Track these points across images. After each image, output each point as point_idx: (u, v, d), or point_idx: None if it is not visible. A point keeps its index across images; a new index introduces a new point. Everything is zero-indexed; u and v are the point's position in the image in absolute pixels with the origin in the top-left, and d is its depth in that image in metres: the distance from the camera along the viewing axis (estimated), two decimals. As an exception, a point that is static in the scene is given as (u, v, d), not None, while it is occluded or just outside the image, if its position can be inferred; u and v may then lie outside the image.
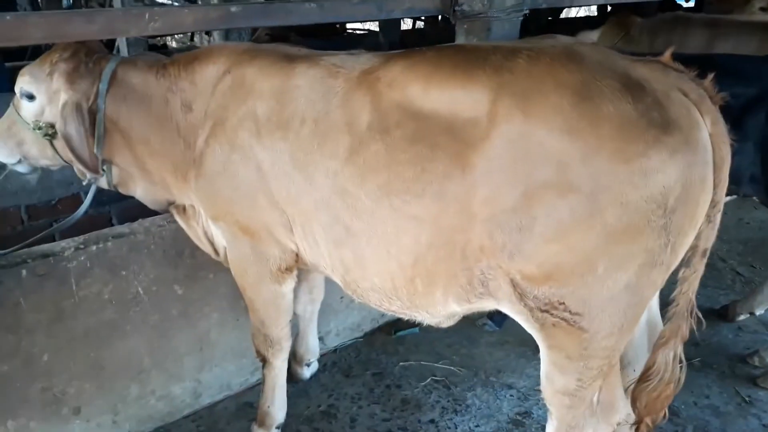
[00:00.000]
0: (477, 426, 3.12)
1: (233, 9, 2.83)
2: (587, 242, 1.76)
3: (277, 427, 2.92)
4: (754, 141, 2.97)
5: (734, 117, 2.82)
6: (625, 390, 2.34)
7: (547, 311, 1.91)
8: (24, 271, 2.40)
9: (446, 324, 2.40)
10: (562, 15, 13.16)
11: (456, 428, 3.10)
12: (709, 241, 1.94)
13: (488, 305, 2.11)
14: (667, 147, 1.69)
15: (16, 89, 2.51)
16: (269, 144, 2.26)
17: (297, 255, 2.46)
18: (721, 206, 1.90)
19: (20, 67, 2.63)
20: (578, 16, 13.79)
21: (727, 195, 3.19)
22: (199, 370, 3.07)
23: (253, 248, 2.47)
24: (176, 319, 2.90)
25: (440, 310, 2.20)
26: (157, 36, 8.43)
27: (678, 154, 1.70)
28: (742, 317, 4.02)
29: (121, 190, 2.71)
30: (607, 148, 1.68)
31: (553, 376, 2.07)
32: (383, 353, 3.65)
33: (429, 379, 3.42)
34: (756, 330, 3.96)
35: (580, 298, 1.85)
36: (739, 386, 3.46)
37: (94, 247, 2.56)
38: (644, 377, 2.12)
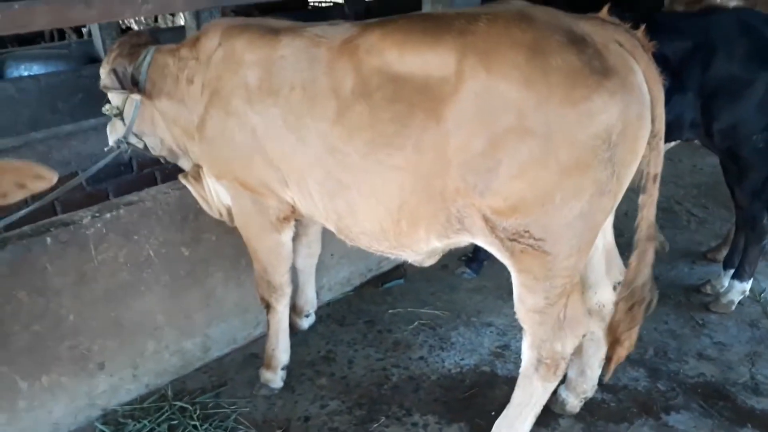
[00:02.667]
0: (462, 359, 3.47)
1: (219, -11, 3.07)
2: (545, 177, 2.07)
3: (283, 368, 3.23)
4: (692, 90, 3.28)
5: (674, 69, 3.17)
6: (589, 312, 2.70)
7: (515, 240, 2.21)
8: (49, 239, 2.65)
9: (428, 263, 2.71)
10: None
11: (443, 362, 3.45)
12: (657, 166, 2.26)
13: (465, 240, 2.41)
14: (608, 90, 1.99)
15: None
16: (261, 109, 2.53)
17: (293, 207, 2.76)
18: (661, 135, 2.20)
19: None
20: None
21: (671, 140, 3.55)
22: (207, 326, 3.36)
23: (253, 201, 2.76)
24: (184, 278, 3.17)
25: (423, 247, 2.50)
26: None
27: (617, 95, 2.00)
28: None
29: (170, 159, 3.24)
30: (557, 95, 1.98)
31: (524, 297, 2.39)
32: (373, 303, 3.98)
33: (416, 323, 3.76)
34: (707, 264, 4.37)
35: (541, 226, 2.16)
36: (694, 312, 3.86)
37: (108, 215, 2.82)
38: (622, 298, 2.46)
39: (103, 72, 3.04)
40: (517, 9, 2.16)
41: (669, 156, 5.80)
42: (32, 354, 2.72)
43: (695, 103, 3.32)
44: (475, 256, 4.18)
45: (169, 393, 3.19)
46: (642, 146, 2.18)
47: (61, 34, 7.75)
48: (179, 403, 3.10)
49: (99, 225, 2.79)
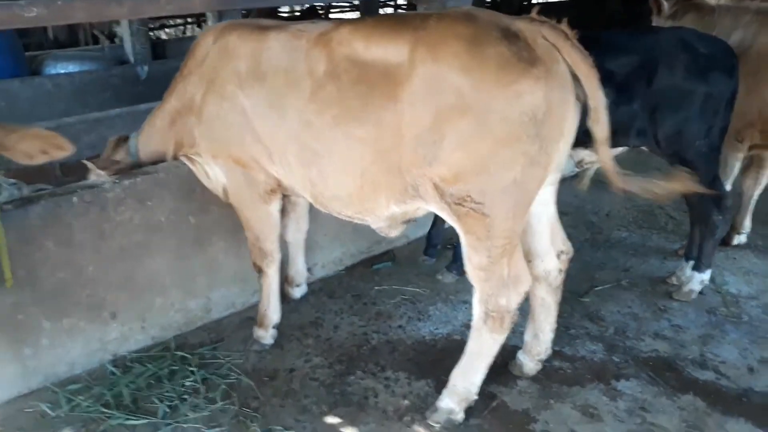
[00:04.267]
0: (436, 329, 3.84)
1: (232, -7, 3.54)
2: (481, 149, 2.46)
3: (274, 327, 3.64)
4: (639, 101, 3.61)
5: (621, 83, 3.56)
6: (537, 278, 3.08)
7: (459, 204, 2.59)
8: (75, 198, 3.11)
9: (392, 233, 3.12)
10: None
11: (419, 331, 3.82)
12: (603, 132, 2.61)
13: (419, 205, 2.81)
14: (533, 75, 2.39)
15: None
16: (250, 92, 3.00)
17: (278, 180, 3.19)
18: (601, 107, 2.56)
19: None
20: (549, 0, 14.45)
21: (618, 146, 3.92)
22: (209, 289, 3.78)
23: (245, 176, 3.20)
24: (191, 244, 3.61)
25: (384, 212, 2.90)
26: (171, 17, 9.17)
27: (541, 80, 2.40)
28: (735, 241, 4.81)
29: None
30: (490, 79, 2.39)
31: (470, 256, 2.76)
32: (361, 281, 4.37)
33: (398, 298, 4.14)
34: (679, 259, 4.68)
35: (480, 191, 2.54)
36: (657, 299, 4.18)
37: (127, 182, 3.27)
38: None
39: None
40: (463, 10, 2.62)
41: (656, 166, 6.12)
42: (56, 298, 3.16)
43: (642, 114, 3.64)
44: (429, 243, 4.57)
45: (173, 345, 3.61)
46: (568, 125, 2.58)
47: (95, 40, 8.36)
48: (180, 353, 3.52)
49: (118, 190, 3.24)
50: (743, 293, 4.24)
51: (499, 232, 2.62)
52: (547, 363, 3.47)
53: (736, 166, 4.39)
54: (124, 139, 3.57)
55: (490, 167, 2.48)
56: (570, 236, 4.97)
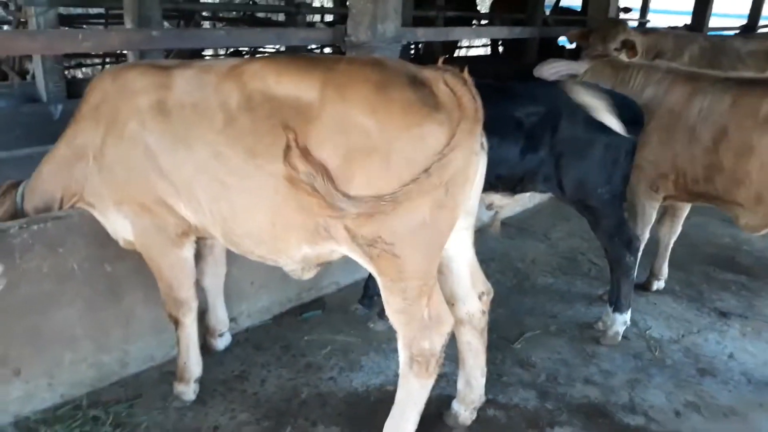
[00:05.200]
0: (369, 380, 3.71)
1: (154, 33, 3.43)
2: (388, 189, 2.43)
3: (195, 381, 3.41)
4: (546, 148, 3.73)
5: (529, 131, 3.69)
6: (461, 322, 3.08)
7: (372, 245, 2.56)
8: (-25, 244, 2.83)
9: (305, 276, 3.02)
10: (457, 53, 14.35)
11: (351, 382, 3.69)
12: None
13: (332, 247, 2.74)
14: (436, 120, 2.42)
15: None
16: (153, 127, 2.87)
17: (189, 222, 3.03)
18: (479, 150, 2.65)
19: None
20: (473, 54, 15.03)
21: (527, 191, 4.02)
22: (125, 342, 3.51)
23: (152, 221, 3.02)
24: (105, 294, 3.35)
25: (295, 253, 2.81)
26: (88, 55, 8.84)
27: (444, 125, 2.43)
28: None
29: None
30: (395, 121, 2.41)
31: (387, 299, 2.72)
32: (290, 331, 4.20)
33: (329, 348, 4.00)
34: (602, 305, 4.78)
35: (390, 232, 2.51)
36: (585, 345, 4.24)
37: (35, 227, 3.01)
38: None
39: None
40: (372, 57, 2.69)
41: (576, 213, 6.34)
42: (-51, 354, 2.84)
43: (549, 161, 3.77)
44: (365, 293, 4.46)
45: (84, 402, 3.31)
46: (473, 170, 2.64)
47: (4, 76, 7.92)
48: (93, 412, 3.23)
49: (26, 236, 2.99)
50: (665, 337, 4.37)
51: (412, 273, 2.61)
52: (480, 411, 3.41)
53: (653, 215, 4.56)
54: (15, 185, 3.35)
55: (398, 208, 2.46)
56: (497, 282, 5.07)
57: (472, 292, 3.06)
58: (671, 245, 5.00)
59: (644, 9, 15.12)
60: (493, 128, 2.84)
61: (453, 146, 2.42)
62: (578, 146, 3.73)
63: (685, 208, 4.86)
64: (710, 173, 4.00)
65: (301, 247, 2.77)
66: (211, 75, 2.80)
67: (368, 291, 4.43)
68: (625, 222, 4.11)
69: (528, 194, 4.03)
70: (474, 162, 2.62)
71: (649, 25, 14.58)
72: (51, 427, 3.11)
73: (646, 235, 4.62)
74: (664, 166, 4.22)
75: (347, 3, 4.96)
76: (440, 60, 2.71)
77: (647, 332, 4.41)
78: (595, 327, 4.43)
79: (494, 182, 2.76)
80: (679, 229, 4.98)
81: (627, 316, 4.25)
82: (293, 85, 2.58)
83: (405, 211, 2.47)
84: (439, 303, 2.76)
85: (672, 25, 10.87)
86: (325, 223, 2.62)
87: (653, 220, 4.61)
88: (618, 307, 4.22)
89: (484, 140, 2.73)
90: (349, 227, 2.56)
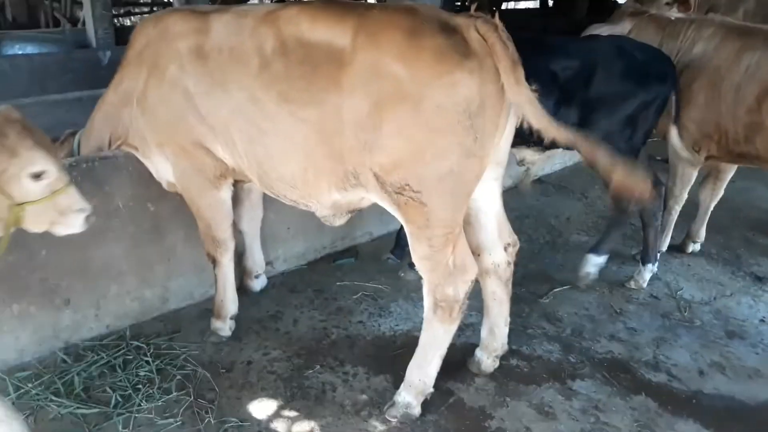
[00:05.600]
0: (397, 325, 3.84)
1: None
2: (418, 137, 2.50)
3: (231, 318, 3.59)
4: (576, 103, 3.69)
5: (562, 85, 3.64)
6: (487, 272, 3.15)
7: (399, 193, 2.62)
8: (29, 179, 2.99)
9: (337, 222, 3.11)
10: (505, 6, 14.02)
11: (379, 327, 3.82)
12: (541, 122, 2.58)
13: (361, 194, 2.82)
14: (467, 68, 2.44)
15: None
16: (192, 71, 2.96)
17: (225, 164, 3.14)
18: (526, 101, 2.55)
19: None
20: (521, 8, 14.66)
21: (555, 147, 4.01)
22: (167, 278, 3.71)
23: (192, 163, 3.15)
24: (148, 232, 3.53)
25: (326, 199, 2.91)
26: (132, 1, 9.02)
27: (475, 73, 2.45)
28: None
29: None
30: (426, 69, 2.43)
31: (414, 246, 2.80)
32: (323, 276, 4.35)
33: (360, 294, 4.13)
34: (635, 264, 4.78)
35: (418, 180, 2.57)
36: (614, 302, 4.26)
37: (84, 165, 3.18)
38: None
39: None
40: (406, 4, 2.68)
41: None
42: (6, 282, 3.05)
43: (576, 115, 3.73)
44: (397, 243, 4.54)
45: (127, 334, 3.53)
46: (502, 120, 2.64)
47: (56, 22, 8.13)
48: (136, 342, 3.44)
49: (75, 173, 3.14)
50: (696, 299, 4.35)
51: (439, 221, 2.67)
52: (504, 361, 3.50)
53: (693, 176, 4.50)
54: (73, 134, 3.53)
55: (426, 156, 2.52)
56: (530, 239, 5.11)
57: (499, 242, 3.12)
58: (711, 209, 4.91)
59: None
60: (527, 81, 2.83)
61: (484, 95, 2.45)
62: (610, 101, 3.69)
63: (729, 172, 4.76)
64: (751, 133, 3.91)
65: (331, 193, 2.85)
66: (247, 19, 2.87)
67: (400, 242, 4.52)
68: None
69: (560, 150, 4.01)
70: (504, 111, 2.63)
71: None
72: (97, 355, 3.34)
73: (684, 196, 4.57)
74: (708, 126, 4.14)
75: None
76: (473, 7, 2.69)
77: (678, 293, 4.40)
78: (627, 285, 4.45)
79: (525, 136, 2.76)
80: (721, 193, 4.89)
81: (602, 259, 4.32)
82: (327, 31, 2.62)
83: (432, 158, 2.52)
84: (464, 251, 2.82)
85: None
86: (354, 170, 2.69)
87: (692, 182, 4.54)
88: (596, 249, 4.31)
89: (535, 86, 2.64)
90: (377, 174, 2.63)
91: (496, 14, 2.57)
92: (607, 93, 3.68)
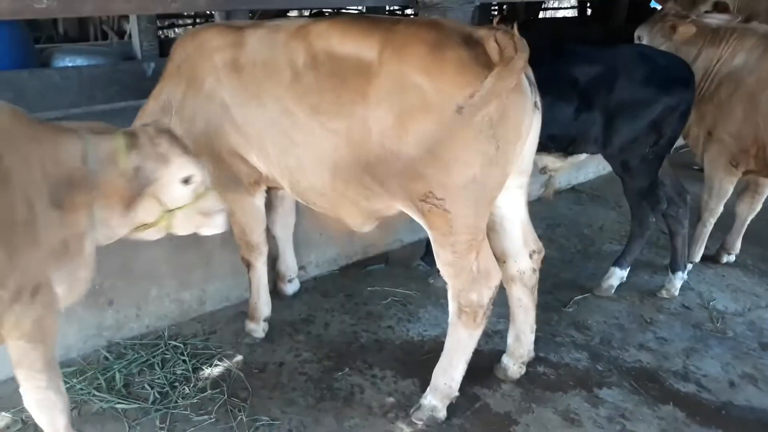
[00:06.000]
0: (425, 330, 3.91)
1: (236, -6, 3.64)
2: (441, 146, 2.57)
3: (265, 320, 3.73)
4: (599, 108, 3.72)
5: (582, 90, 3.69)
6: (512, 279, 3.21)
7: (423, 200, 2.70)
8: (77, 186, 3.18)
9: (365, 228, 3.19)
10: (543, 15, 13.98)
11: (408, 332, 3.90)
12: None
13: (387, 202, 2.90)
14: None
15: None
16: (228, 83, 3.09)
17: (259, 172, 3.27)
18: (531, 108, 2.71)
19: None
20: (558, 17, 14.59)
21: (579, 153, 4.02)
22: (204, 281, 3.86)
23: (227, 171, 3.27)
24: (187, 237, 3.64)
25: (353, 206, 2.99)
26: (180, 16, 9.34)
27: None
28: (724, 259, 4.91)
29: None
30: (449, 80, 2.51)
31: (438, 252, 2.87)
32: (354, 281, 4.45)
33: (390, 299, 4.22)
34: (668, 274, 4.76)
35: (442, 188, 2.65)
36: (644, 312, 4.25)
37: (127, 172, 3.34)
38: None
39: None
40: (431, 19, 2.83)
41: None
42: (54, 282, 3.23)
43: (599, 120, 3.76)
44: (428, 250, 4.59)
45: (166, 334, 3.69)
46: (525, 129, 2.70)
47: (105, 35, 8.49)
48: (173, 342, 3.60)
49: (119, 180, 3.32)
50: (730, 310, 4.31)
51: (462, 228, 2.73)
52: (531, 368, 3.54)
53: (729, 190, 4.46)
54: None
55: (449, 164, 2.60)
56: (562, 247, 5.13)
57: (524, 250, 3.17)
58: (748, 222, 4.85)
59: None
60: (547, 88, 2.92)
61: (505, 105, 2.52)
62: (634, 106, 3.72)
63: None
64: None
65: (359, 201, 2.95)
66: (280, 34, 3.00)
67: (430, 249, 4.59)
68: (655, 183, 4.09)
69: (584, 157, 4.04)
70: (526, 120, 2.69)
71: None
72: (137, 353, 3.50)
73: (720, 209, 4.54)
74: (746, 139, 4.10)
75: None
76: (496, 20, 2.78)
77: (711, 303, 4.37)
78: (658, 294, 4.44)
79: (547, 143, 2.82)
80: (758, 207, 4.81)
81: (625, 272, 4.38)
82: (355, 45, 2.73)
83: (455, 166, 2.60)
84: (487, 258, 2.89)
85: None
86: (380, 178, 2.79)
87: (728, 195, 4.50)
88: (620, 263, 4.35)
89: (538, 99, 2.78)
90: (403, 183, 2.72)
91: (515, 26, 2.64)
92: (631, 99, 3.71)
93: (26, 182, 2.21)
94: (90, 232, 2.46)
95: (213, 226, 2.71)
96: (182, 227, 2.66)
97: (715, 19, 4.51)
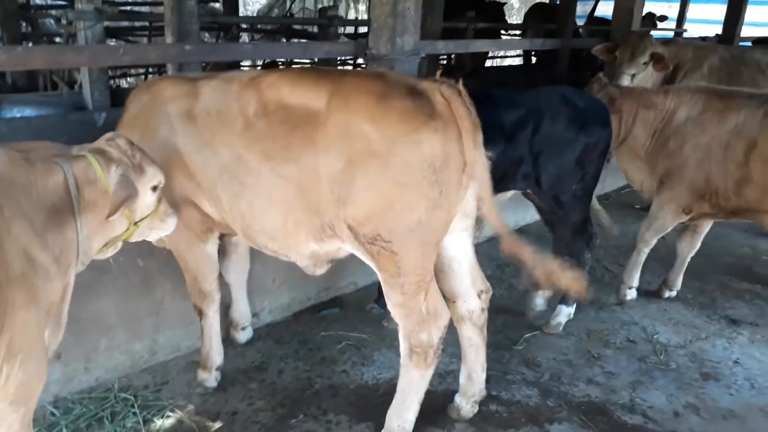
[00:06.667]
0: (380, 374, 3.94)
1: (187, 47, 3.74)
2: (387, 190, 2.70)
3: (217, 369, 3.69)
4: (524, 148, 3.93)
5: (509, 133, 3.91)
6: (462, 318, 3.31)
7: (372, 243, 2.80)
8: (23, 237, 3.15)
9: (318, 271, 3.27)
10: (492, 63, 14.50)
11: (362, 375, 3.92)
12: (483, 190, 2.93)
13: (338, 245, 2.99)
14: (432, 127, 2.67)
15: None
16: (182, 132, 3.16)
17: (212, 219, 3.31)
18: (478, 164, 2.86)
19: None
20: (505, 65, 15.15)
21: (506, 190, 4.22)
22: (155, 331, 3.82)
23: (180, 218, 3.27)
24: (138, 286, 3.66)
25: (304, 249, 3.08)
26: (127, 67, 9.37)
27: (439, 132, 2.68)
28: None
29: None
30: (394, 128, 2.66)
31: (388, 293, 2.96)
32: (308, 327, 4.46)
33: (344, 344, 4.24)
34: (613, 309, 4.93)
35: (389, 230, 2.76)
36: (592, 348, 4.38)
37: (76, 223, 3.33)
38: None
39: None
40: (377, 71, 2.99)
41: (597, 222, 6.45)
42: (-2, 336, 3.16)
43: (527, 159, 3.97)
44: (381, 293, 4.66)
45: (116, 386, 3.62)
46: (466, 175, 2.84)
47: (54, 85, 8.42)
48: (123, 395, 3.54)
49: (67, 231, 3.31)
50: (672, 342, 4.48)
51: (410, 269, 2.83)
52: (483, 406, 3.60)
53: (669, 228, 4.73)
54: None
55: (396, 208, 2.72)
56: (510, 286, 5.26)
57: (472, 290, 3.27)
58: (688, 259, 5.09)
59: (681, 18, 15.01)
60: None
61: (447, 152, 2.66)
62: (558, 145, 3.96)
63: (707, 226, 4.96)
64: (740, 187, 4.19)
65: (309, 244, 3.03)
66: (233, 84, 3.10)
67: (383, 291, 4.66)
68: (588, 219, 4.35)
69: (510, 194, 4.26)
70: (468, 167, 2.83)
71: (685, 35, 14.49)
72: (86, 407, 3.43)
73: (653, 243, 4.81)
74: (699, 187, 4.38)
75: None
76: (438, 72, 2.95)
77: (654, 337, 4.53)
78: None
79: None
80: (698, 246, 5.06)
81: (572, 309, 4.54)
82: (304, 95, 2.86)
83: (401, 210, 2.71)
84: (436, 298, 2.98)
85: (704, 35, 10.84)
86: (330, 222, 2.88)
87: (666, 232, 4.75)
88: (565, 300, 4.49)
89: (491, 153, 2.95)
90: (351, 226, 2.81)
91: (460, 80, 2.80)
92: (555, 138, 3.94)
93: (24, 233, 2.16)
94: (74, 262, 2.45)
95: (165, 229, 2.83)
96: (140, 234, 2.74)
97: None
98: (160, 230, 2.82)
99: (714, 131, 4.30)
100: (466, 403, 3.49)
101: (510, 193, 4.26)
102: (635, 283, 5.00)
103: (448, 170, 2.72)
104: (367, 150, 2.68)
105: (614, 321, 4.74)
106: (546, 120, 3.91)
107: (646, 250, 4.85)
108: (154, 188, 2.63)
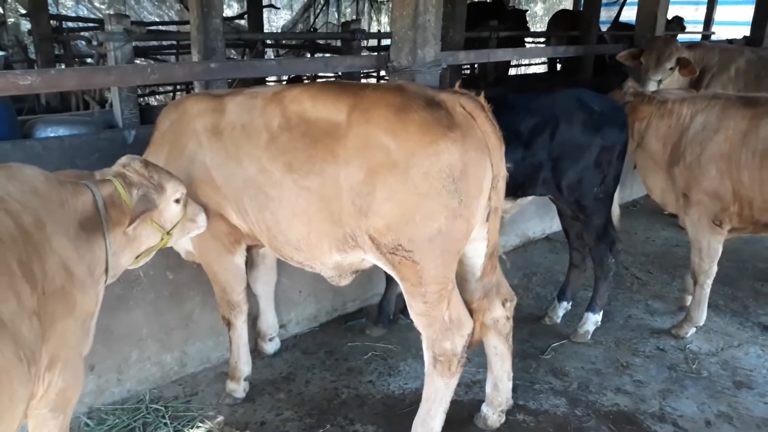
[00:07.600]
0: (406, 384, 3.95)
1: (212, 65, 3.82)
2: (407, 201, 2.73)
3: (245, 379, 3.74)
4: (543, 154, 3.94)
5: (527, 140, 3.91)
6: (487, 327, 3.30)
7: (393, 253, 2.83)
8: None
9: (342, 282, 3.31)
10: (516, 72, 14.48)
11: (389, 386, 3.94)
12: (498, 201, 2.93)
13: (360, 256, 3.03)
14: (450, 138, 2.70)
15: None
16: (209, 147, 3.25)
17: (240, 230, 3.38)
18: (501, 176, 2.89)
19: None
20: (529, 72, 15.10)
21: (527, 195, 4.23)
22: (185, 343, 3.90)
23: (209, 230, 3.34)
24: (168, 298, 3.74)
25: (328, 260, 3.12)
26: (156, 85, 9.60)
27: (457, 143, 2.71)
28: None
29: None
30: (413, 140, 2.70)
31: (410, 303, 2.98)
32: (335, 337, 4.50)
33: (370, 354, 4.27)
34: (642, 318, 4.87)
35: (409, 240, 2.79)
36: (620, 356, 4.33)
37: (107, 238, 3.42)
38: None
39: None
40: (396, 83, 3.01)
41: (625, 228, 6.39)
42: (34, 349, 3.26)
43: (546, 165, 3.98)
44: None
45: (147, 397, 3.70)
46: (485, 184, 2.86)
47: (86, 105, 8.65)
48: (154, 406, 3.61)
49: (99, 246, 3.40)
50: (703, 350, 4.41)
51: (431, 278, 2.85)
52: (511, 416, 3.59)
53: (719, 249, 4.38)
54: None
55: (416, 218, 2.75)
56: (538, 296, 5.23)
57: (496, 299, 3.27)
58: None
59: (708, 21, 14.83)
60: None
61: (466, 161, 2.69)
62: (576, 149, 3.95)
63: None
64: None
65: (332, 255, 3.07)
66: (257, 100, 3.19)
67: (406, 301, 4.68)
68: (611, 222, 4.29)
69: (530, 199, 4.27)
70: (487, 176, 2.85)
71: (713, 37, 14.31)
72: (119, 418, 3.51)
73: (714, 270, 4.45)
74: (725, 197, 4.15)
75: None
76: (457, 83, 3.02)
77: (685, 345, 4.46)
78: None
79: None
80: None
81: (599, 316, 4.47)
82: (325, 109, 2.93)
83: (421, 220, 2.74)
84: (458, 306, 2.99)
85: (732, 37, 10.70)
86: (352, 232, 2.92)
87: (719, 254, 4.40)
88: (592, 307, 4.43)
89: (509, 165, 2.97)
90: (372, 236, 2.85)
91: (482, 93, 2.84)
92: (572, 143, 3.94)
93: (63, 247, 2.33)
94: (103, 277, 2.64)
95: (199, 227, 3.09)
96: (177, 238, 3.01)
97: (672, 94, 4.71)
98: (193, 229, 3.07)
99: (742, 140, 4.07)
100: (492, 413, 3.48)
101: (529, 198, 4.27)
102: (702, 321, 4.60)
103: (467, 180, 2.74)
104: (386, 161, 2.73)
105: (643, 329, 4.69)
106: (562, 124, 3.93)
107: (709, 282, 4.49)
108: (177, 200, 2.83)
